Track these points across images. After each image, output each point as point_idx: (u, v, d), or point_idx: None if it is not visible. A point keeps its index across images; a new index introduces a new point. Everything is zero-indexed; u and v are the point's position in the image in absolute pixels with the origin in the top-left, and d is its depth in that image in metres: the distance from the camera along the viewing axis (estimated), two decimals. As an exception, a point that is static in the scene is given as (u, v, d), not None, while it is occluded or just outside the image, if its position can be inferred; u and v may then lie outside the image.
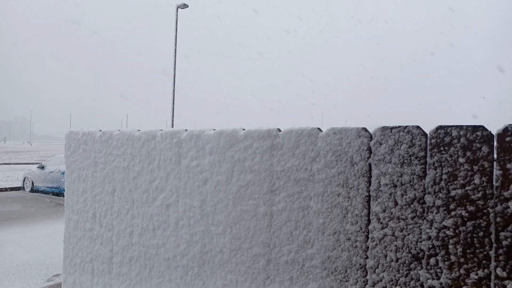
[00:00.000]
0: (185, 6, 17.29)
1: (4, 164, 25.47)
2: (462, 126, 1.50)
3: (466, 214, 1.48)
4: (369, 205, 1.70)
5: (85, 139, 2.98)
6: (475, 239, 1.46)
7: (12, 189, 13.22)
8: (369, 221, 1.70)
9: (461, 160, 1.49)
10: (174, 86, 16.66)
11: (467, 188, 1.48)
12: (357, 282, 1.72)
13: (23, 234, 6.78)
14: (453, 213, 1.50)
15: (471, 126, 1.48)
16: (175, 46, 17.04)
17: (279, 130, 2.02)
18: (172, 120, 16.49)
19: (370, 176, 1.70)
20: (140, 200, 2.59)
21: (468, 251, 1.47)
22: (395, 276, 1.62)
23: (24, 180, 13.23)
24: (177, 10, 17.22)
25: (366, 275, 1.70)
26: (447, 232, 1.51)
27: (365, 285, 1.70)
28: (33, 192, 12.78)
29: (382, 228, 1.66)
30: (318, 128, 1.89)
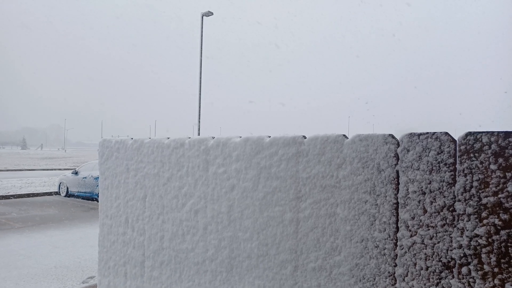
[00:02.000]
0: (210, 13, 17.65)
1: (41, 169, 26.84)
2: (493, 132, 1.46)
3: (500, 223, 1.44)
4: (397, 213, 1.69)
5: (118, 147, 3.12)
6: (509, 248, 1.42)
7: (48, 193, 13.91)
8: (397, 228, 1.69)
9: (492, 167, 1.46)
10: (200, 95, 17.00)
11: (499, 195, 1.44)
12: (386, 290, 1.70)
13: (59, 237, 7.11)
14: (485, 221, 1.47)
15: (503, 132, 1.45)
16: (201, 52, 17.41)
17: (304, 137, 2.04)
18: (199, 127, 16.80)
19: (398, 183, 1.69)
20: (170, 206, 2.68)
21: (502, 260, 1.43)
22: (425, 284, 1.60)
23: (59, 185, 13.90)
24: (202, 18, 17.60)
25: (395, 283, 1.69)
26: (480, 240, 1.47)
27: None
28: (68, 196, 13.39)
29: (411, 236, 1.64)
30: (344, 135, 1.90)
